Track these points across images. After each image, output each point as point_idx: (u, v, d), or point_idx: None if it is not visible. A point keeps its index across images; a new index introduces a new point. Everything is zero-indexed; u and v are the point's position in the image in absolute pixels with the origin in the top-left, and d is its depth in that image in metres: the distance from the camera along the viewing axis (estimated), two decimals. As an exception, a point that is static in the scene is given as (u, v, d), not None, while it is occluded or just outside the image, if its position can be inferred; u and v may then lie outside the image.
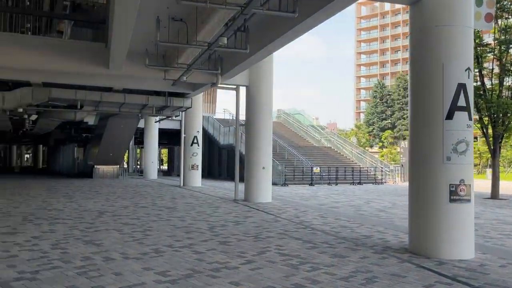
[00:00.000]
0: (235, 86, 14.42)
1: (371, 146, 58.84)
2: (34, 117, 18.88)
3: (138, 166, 35.71)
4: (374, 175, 26.05)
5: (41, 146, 48.50)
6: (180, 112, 20.09)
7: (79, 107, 17.09)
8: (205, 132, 28.14)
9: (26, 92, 15.66)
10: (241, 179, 14.25)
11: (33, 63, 11.54)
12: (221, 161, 31.39)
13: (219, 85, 13.76)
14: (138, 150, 36.99)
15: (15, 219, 8.91)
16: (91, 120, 26.93)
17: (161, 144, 32.65)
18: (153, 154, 28.08)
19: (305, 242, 7.03)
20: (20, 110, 15.70)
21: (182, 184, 20.31)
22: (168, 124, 30.41)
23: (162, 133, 30.61)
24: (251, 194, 13.55)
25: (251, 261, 5.66)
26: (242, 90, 14.51)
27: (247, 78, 13.83)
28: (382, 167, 27.29)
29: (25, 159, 62.77)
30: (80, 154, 32.64)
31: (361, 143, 51.34)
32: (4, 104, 15.50)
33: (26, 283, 4.45)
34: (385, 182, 25.94)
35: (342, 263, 5.69)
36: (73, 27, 15.92)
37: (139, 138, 33.74)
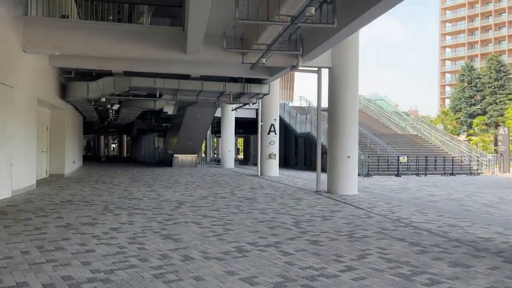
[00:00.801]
0: (316, 69, 13.37)
1: (458, 134, 54.33)
2: (116, 106, 19.36)
3: (215, 155, 35.94)
4: (469, 165, 23.55)
5: (125, 136, 51.14)
6: (257, 100, 19.44)
7: (158, 96, 17.10)
8: (281, 121, 27.34)
9: (108, 81, 15.92)
10: (322, 169, 13.26)
11: (114, 51, 11.45)
12: (298, 150, 30.47)
13: (300, 68, 12.79)
14: (215, 139, 37.27)
15: (96, 208, 8.77)
16: (170, 109, 27.38)
17: (237, 133, 32.50)
18: (230, 143, 27.91)
19: (411, 244, 5.92)
20: (103, 99, 16.01)
21: (259, 174, 19.75)
22: (244, 113, 30.10)
23: (238, 122, 30.36)
24: (335, 185, 12.51)
25: (351, 268, 4.71)
26: (324, 73, 13.44)
27: (330, 59, 12.71)
28: (478, 157, 24.61)
29: (112, 148, 66.80)
30: (160, 143, 33.57)
31: (448, 131, 47.45)
32: (89, 94, 15.89)
33: (98, 285, 3.92)
34: (482, 173, 23.35)
35: (468, 275, 4.54)
36: (152, 18, 15.90)
37: (216, 127, 33.91)
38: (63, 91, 16.47)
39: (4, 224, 6.81)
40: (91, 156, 47.65)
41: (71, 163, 19.44)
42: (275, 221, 7.63)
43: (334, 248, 5.61)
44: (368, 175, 20.76)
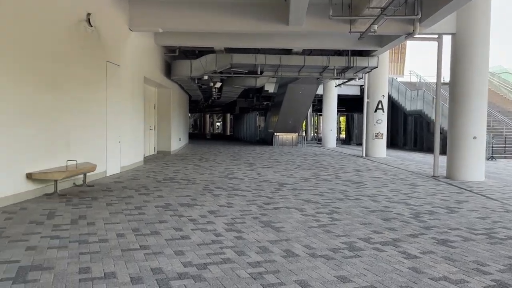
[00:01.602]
0: (436, 36, 11.61)
1: None
2: (218, 84, 19.39)
3: (316, 134, 34.95)
4: None
5: (228, 114, 52.50)
6: (363, 74, 17.96)
7: (259, 73, 16.62)
8: (388, 97, 25.28)
9: (211, 59, 15.82)
10: (434, 151, 11.62)
11: (215, 26, 11.08)
12: (406, 130, 28.14)
13: (416, 36, 11.19)
14: (316, 118, 36.20)
15: (197, 187, 8.54)
16: (271, 88, 27.00)
17: (339, 111, 31.07)
18: (332, 121, 26.69)
19: None
20: (206, 77, 15.98)
21: (364, 154, 18.43)
22: (347, 90, 28.55)
23: (341, 99, 28.92)
24: (457, 170, 10.87)
25: (504, 284, 3.60)
26: (445, 41, 11.66)
27: (454, 24, 10.91)
28: None
29: (216, 126, 69.34)
30: (261, 122, 33.56)
31: None
32: (192, 72, 15.98)
33: (188, 284, 3.40)
34: None
35: None
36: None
37: (317, 105, 32.82)
38: (169, 70, 16.82)
39: (108, 201, 6.81)
40: (197, 134, 49.83)
41: (177, 140, 20.09)
42: (389, 211, 6.60)
43: (471, 252, 4.48)
44: (492, 158, 18.19)
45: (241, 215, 6.04)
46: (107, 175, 9.90)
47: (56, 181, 7.19)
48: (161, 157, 16.00)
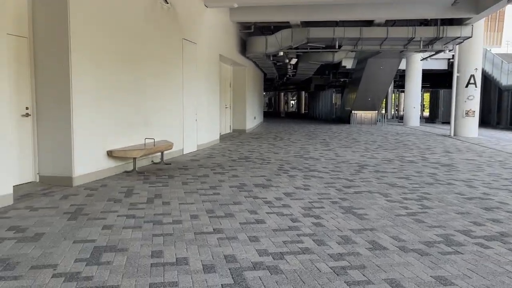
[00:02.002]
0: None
1: None
2: (294, 61, 18.83)
3: (397, 112, 33.07)
4: None
5: (303, 92, 51.66)
6: (454, 46, 16.33)
7: (337, 47, 15.79)
8: (480, 71, 22.98)
9: (286, 34, 15.29)
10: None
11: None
12: (501, 107, 25.55)
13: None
14: (397, 95, 34.20)
15: (272, 167, 8.26)
16: (349, 63, 25.85)
17: (423, 87, 28.99)
18: (415, 98, 24.94)
19: None
20: (281, 53, 15.52)
21: (452, 134, 16.94)
22: (432, 64, 26.46)
23: (425, 74, 26.94)
24: None
25: None
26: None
27: None
28: None
29: (290, 105, 68.80)
30: (337, 99, 32.46)
31: None
32: (267, 49, 15.60)
33: (263, 276, 3.10)
34: None
35: None
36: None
37: (399, 81, 30.93)
38: (244, 47, 16.60)
39: (183, 180, 6.76)
40: (272, 113, 49.75)
41: (252, 119, 20.00)
42: (490, 199, 5.79)
43: None
44: None
45: (319, 198, 5.64)
46: (184, 153, 9.99)
47: (134, 159, 7.29)
48: (236, 135, 15.99)
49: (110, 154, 6.86)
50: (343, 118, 27.27)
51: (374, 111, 25.54)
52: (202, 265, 3.28)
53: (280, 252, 3.59)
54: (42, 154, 6.09)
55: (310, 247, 3.74)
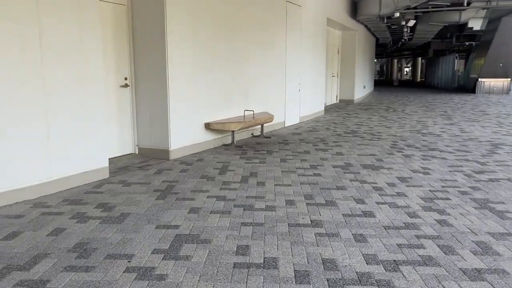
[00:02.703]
0: None
1: None
2: (411, 23, 16.84)
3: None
4: None
5: (419, 58, 47.43)
6: None
7: (465, 4, 13.61)
8: None
9: (403, -8, 13.57)
10: None
11: None
12: None
13: None
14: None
15: (383, 144, 7.29)
16: (477, 24, 22.67)
17: None
18: (562, 63, 20.95)
19: None
20: (397, 15, 13.87)
21: None
22: None
23: None
24: None
25: None
26: None
27: None
28: None
29: (404, 72, 64.08)
30: (460, 66, 28.95)
31: None
32: (381, 10, 14.06)
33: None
34: None
35: None
36: None
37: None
38: (354, 9, 15.23)
39: (282, 156, 6.20)
40: (383, 81, 46.69)
41: (361, 88, 18.64)
42: None
43: None
44: None
45: (442, 186, 4.64)
46: (285, 125, 9.43)
47: (233, 132, 6.92)
48: (343, 106, 14.96)
49: (207, 126, 6.57)
50: (467, 87, 24.24)
51: (507, 79, 22.17)
52: (294, 271, 2.68)
53: (394, 261, 2.83)
54: (141, 126, 5.99)
55: (434, 255, 2.91)
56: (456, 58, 28.29)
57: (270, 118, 7.67)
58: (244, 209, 3.83)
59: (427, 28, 20.69)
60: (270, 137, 7.89)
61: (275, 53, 8.69)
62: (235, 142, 7.02)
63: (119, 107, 5.77)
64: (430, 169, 5.46)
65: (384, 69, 61.40)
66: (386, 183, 4.78)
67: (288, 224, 3.47)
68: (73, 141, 4.42)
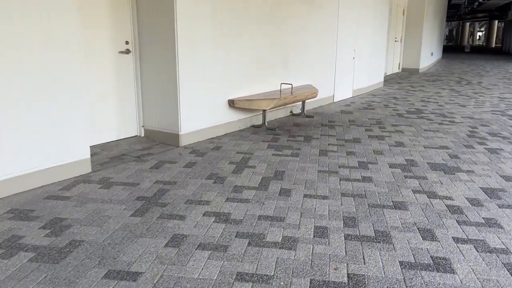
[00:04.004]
0: None
1: None
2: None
3: None
4: None
5: (495, 21, 42.55)
6: None
7: None
8: None
9: None
10: None
11: None
12: None
13: None
14: None
15: (457, 131, 5.66)
16: None
17: None
18: None
19: None
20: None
21: None
22: None
23: None
24: None
25: None
26: None
27: None
28: None
29: (477, 37, 58.49)
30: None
31: None
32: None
33: None
34: None
35: None
36: None
37: None
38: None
39: (323, 146, 4.82)
40: (453, 47, 42.54)
41: (428, 55, 16.36)
42: None
43: None
44: None
45: (556, 210, 3.10)
46: (334, 100, 7.93)
47: (264, 111, 5.60)
48: (406, 76, 13.02)
49: (232, 104, 5.29)
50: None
51: None
52: None
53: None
54: (147, 103, 4.83)
55: None
56: (544, 20, 24.50)
57: (314, 93, 6.24)
58: (249, 243, 2.58)
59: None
60: (313, 117, 6.48)
61: (324, 12, 7.11)
62: (266, 124, 5.70)
63: (118, 79, 4.63)
64: (530, 175, 3.87)
65: (454, 33, 56.30)
66: (466, 198, 3.30)
67: (311, 282, 2.18)
68: (35, 127, 3.34)
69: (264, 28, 5.68)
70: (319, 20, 7.01)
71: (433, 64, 17.70)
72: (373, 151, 4.65)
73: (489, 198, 3.32)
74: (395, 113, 6.86)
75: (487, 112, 7.05)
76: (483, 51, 33.57)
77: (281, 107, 6.25)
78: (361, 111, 7.02)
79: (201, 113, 4.89)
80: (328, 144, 4.89)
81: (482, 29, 58.08)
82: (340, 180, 3.70)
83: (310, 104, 7.07)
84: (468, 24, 49.66)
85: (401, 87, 10.30)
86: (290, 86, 6.14)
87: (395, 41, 13.41)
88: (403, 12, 13.91)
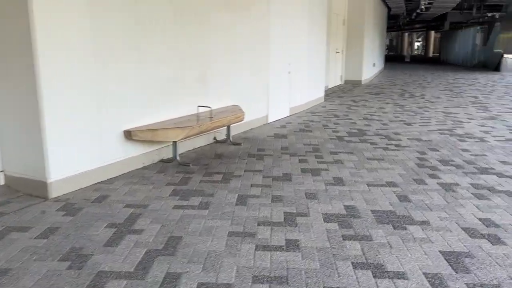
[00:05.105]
0: None
1: None
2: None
3: None
4: None
5: (432, 32, 44.22)
6: None
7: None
8: None
9: None
10: None
11: None
12: None
13: None
14: None
15: (404, 158, 4.84)
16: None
17: None
18: None
19: None
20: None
21: None
22: None
23: None
24: None
25: None
26: None
27: None
28: None
29: (416, 47, 60.73)
30: (479, 40, 26.01)
31: None
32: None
33: None
34: None
35: None
36: None
37: None
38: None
39: (244, 189, 3.78)
40: (394, 56, 43.62)
41: (371, 66, 16.00)
42: None
43: None
44: None
45: (544, 289, 2.23)
46: (269, 121, 6.97)
47: (174, 142, 4.49)
48: (348, 89, 12.41)
49: (128, 136, 4.14)
50: (489, 64, 21.45)
51: (537, 55, 19.38)
52: None
53: None
54: (6, 141, 3.58)
55: None
56: (478, 31, 25.33)
57: (239, 117, 5.22)
58: None
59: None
60: (240, 144, 5.46)
61: (252, 22, 6.16)
62: (178, 158, 4.59)
63: (-42, 110, 3.35)
64: (498, 226, 3.03)
65: (394, 43, 58.13)
66: (424, 274, 2.37)
67: None
68: None
69: (172, 40, 4.60)
70: (247, 31, 6.04)
71: (376, 75, 17.41)
72: (305, 194, 3.67)
73: (454, 273, 2.41)
74: (334, 136, 5.99)
75: (434, 131, 6.36)
76: (422, 60, 34.47)
77: (198, 135, 5.17)
78: (297, 134, 6.10)
79: (82, 151, 3.70)
80: (251, 185, 3.87)
81: (419, 39, 60.46)
82: (255, 249, 2.66)
83: (239, 127, 6.05)
84: (407, 34, 51.37)
85: (343, 102, 9.58)
86: (209, 108, 5.06)
87: (336, 52, 12.81)
88: (344, 22, 13.38)
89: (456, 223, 3.08)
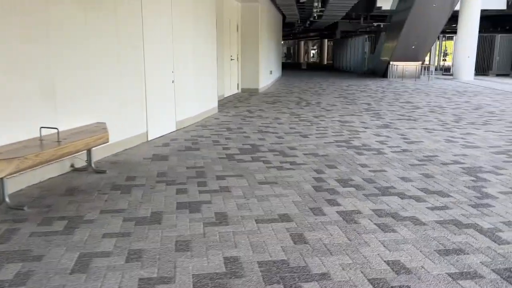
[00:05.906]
0: None
1: None
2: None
3: (443, 63, 27.99)
4: None
5: (326, 40, 46.44)
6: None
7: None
8: None
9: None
10: None
11: None
12: None
13: None
14: (444, 42, 28.89)
15: (300, 180, 4.20)
16: (386, 4, 21.15)
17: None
18: (470, 46, 20.01)
19: None
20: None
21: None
22: (490, 4, 21.30)
23: (483, 17, 21.81)
24: None
25: None
26: None
27: None
28: None
29: (311, 55, 63.52)
30: (368, 48, 27.57)
31: None
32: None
33: None
34: None
35: None
36: None
37: (446, 25, 25.72)
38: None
39: (93, 243, 2.77)
40: (291, 64, 44.86)
41: (268, 73, 15.69)
42: None
43: None
44: None
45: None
46: (149, 138, 5.96)
47: (1, 179, 3.30)
48: (245, 97, 11.83)
49: None
50: (377, 71, 22.65)
51: (418, 62, 20.87)
52: None
53: None
54: None
55: None
56: (366, 40, 26.78)
57: (101, 138, 4.16)
58: None
59: (337, 7, 18.35)
60: (105, 171, 4.38)
61: (118, 22, 5.12)
62: (7, 199, 3.40)
63: None
64: (409, 271, 2.44)
65: (291, 51, 60.14)
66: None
67: None
68: None
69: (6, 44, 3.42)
70: (112, 32, 4.99)
71: (273, 83, 17.20)
72: (176, 243, 2.78)
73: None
74: (224, 155, 5.19)
75: (331, 143, 5.90)
76: (317, 68, 35.76)
77: (49, 163, 3.99)
78: (180, 154, 5.19)
79: None
80: (103, 236, 2.87)
81: (315, 47, 63.39)
82: None
83: (108, 149, 4.96)
84: (303, 42, 53.42)
85: (238, 112, 8.89)
86: (55, 130, 3.91)
87: (231, 59, 12.18)
88: (237, 28, 12.81)
89: (362, 271, 2.43)
